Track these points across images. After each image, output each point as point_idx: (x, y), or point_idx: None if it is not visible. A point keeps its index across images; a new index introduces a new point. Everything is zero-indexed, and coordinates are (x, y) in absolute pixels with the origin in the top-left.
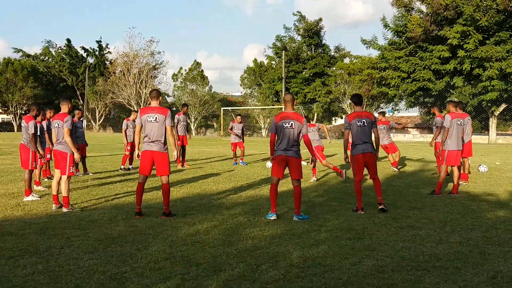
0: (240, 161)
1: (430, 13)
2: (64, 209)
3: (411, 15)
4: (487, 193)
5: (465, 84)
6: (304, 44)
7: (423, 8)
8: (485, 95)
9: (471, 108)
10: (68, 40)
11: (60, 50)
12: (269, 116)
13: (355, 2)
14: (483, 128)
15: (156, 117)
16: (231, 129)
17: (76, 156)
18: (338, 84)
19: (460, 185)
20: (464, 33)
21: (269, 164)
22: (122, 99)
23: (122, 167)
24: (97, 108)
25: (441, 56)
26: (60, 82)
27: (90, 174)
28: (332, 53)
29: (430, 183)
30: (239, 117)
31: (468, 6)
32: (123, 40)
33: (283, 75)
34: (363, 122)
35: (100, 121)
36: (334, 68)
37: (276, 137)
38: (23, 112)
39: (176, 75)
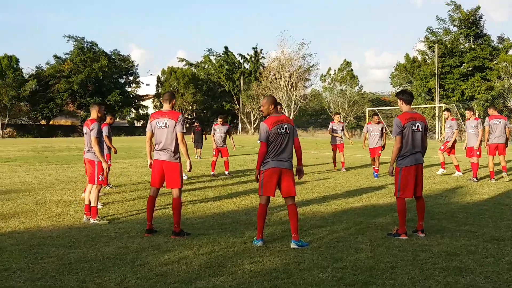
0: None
1: None
2: (92, 220)
3: None
4: None
5: None
6: (461, 36)
7: None
8: None
9: None
10: (226, 48)
11: (219, 57)
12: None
13: None
14: None
15: (166, 123)
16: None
17: (105, 165)
18: (502, 79)
19: None
20: None
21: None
22: None
23: (212, 173)
24: (252, 112)
25: None
26: (219, 88)
27: None
28: (495, 44)
29: None
30: (375, 117)
31: None
32: (275, 44)
33: (436, 71)
34: (418, 126)
35: (255, 125)
36: (496, 61)
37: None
38: (187, 117)
39: (324, 76)
